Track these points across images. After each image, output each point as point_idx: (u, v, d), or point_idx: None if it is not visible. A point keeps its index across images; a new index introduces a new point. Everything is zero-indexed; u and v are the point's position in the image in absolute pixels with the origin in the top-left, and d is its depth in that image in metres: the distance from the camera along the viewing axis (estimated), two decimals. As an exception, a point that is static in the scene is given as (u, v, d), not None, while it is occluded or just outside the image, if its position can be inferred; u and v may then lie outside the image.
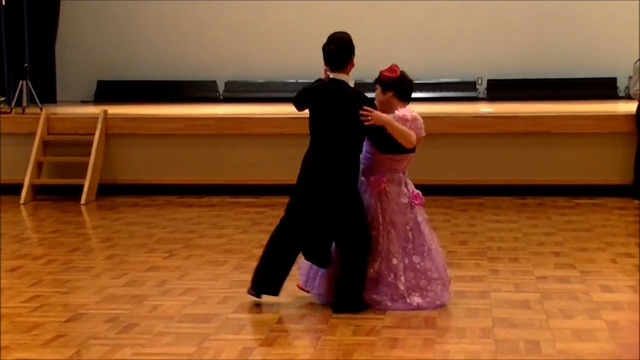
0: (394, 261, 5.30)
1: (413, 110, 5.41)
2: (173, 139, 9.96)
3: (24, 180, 9.71)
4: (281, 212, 8.94)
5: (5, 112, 10.31)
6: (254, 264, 6.60)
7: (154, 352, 4.64)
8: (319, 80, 5.43)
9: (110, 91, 12.55)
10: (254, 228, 8.13)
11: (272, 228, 8.03)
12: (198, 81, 12.50)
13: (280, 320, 5.13)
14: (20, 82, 10.35)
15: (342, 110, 5.24)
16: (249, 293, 5.41)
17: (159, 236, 7.71)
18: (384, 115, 5.25)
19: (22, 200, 9.59)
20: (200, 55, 12.55)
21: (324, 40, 11.84)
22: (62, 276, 6.27)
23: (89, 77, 12.57)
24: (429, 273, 5.34)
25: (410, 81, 5.48)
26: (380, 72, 5.44)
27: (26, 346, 4.70)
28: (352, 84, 5.45)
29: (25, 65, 10.50)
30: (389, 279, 5.29)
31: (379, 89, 5.43)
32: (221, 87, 12.42)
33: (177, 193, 9.83)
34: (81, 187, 9.61)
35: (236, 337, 4.88)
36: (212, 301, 5.54)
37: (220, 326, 5.05)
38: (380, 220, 5.33)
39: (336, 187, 5.25)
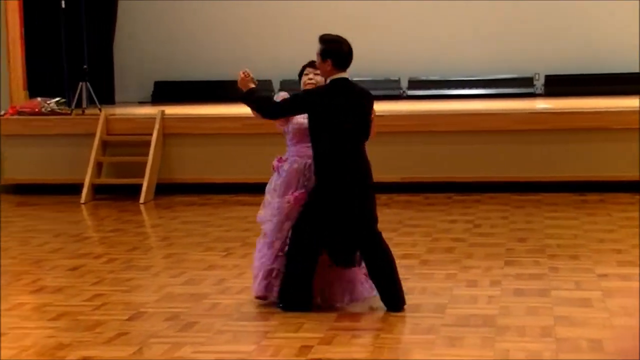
0: None
1: None
2: (229, 138, 10.03)
3: (84, 180, 9.86)
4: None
5: (66, 114, 10.48)
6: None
7: (214, 350, 4.67)
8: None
9: (167, 92, 12.67)
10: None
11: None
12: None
13: (338, 319, 5.13)
14: (80, 83, 10.51)
15: (362, 107, 5.28)
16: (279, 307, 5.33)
17: (215, 235, 7.77)
18: None
19: (82, 200, 9.74)
20: (255, 55, 12.60)
21: (380, 39, 11.93)
22: (122, 275, 6.35)
23: (146, 78, 12.71)
24: None
25: None
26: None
27: (89, 344, 4.77)
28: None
29: (85, 67, 10.65)
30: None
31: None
32: (276, 86, 12.45)
33: (232, 192, 9.90)
34: (139, 186, 9.73)
35: (295, 335, 4.89)
36: (270, 299, 5.56)
37: (278, 324, 5.07)
38: None
39: (368, 185, 5.27)
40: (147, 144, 9.91)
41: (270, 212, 5.39)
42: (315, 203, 5.24)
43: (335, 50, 5.25)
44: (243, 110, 10.81)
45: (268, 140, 10.08)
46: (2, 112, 10.38)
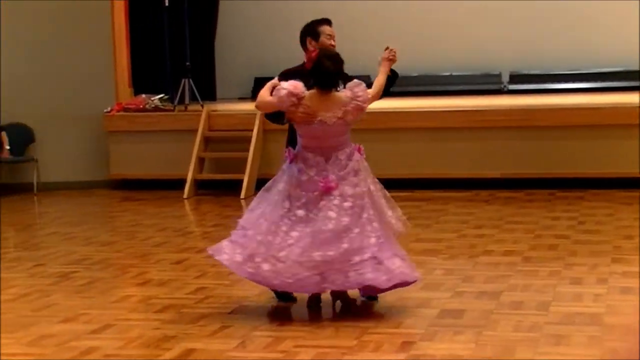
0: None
1: (299, 84, 5.22)
2: (328, 133, 10.03)
3: (186, 175, 10.04)
4: (437, 206, 8.94)
5: (169, 110, 10.69)
6: (411, 257, 6.59)
7: (315, 344, 4.68)
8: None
9: (267, 88, 12.76)
10: (409, 222, 8.06)
11: (428, 222, 8.07)
12: (352, 76, 12.53)
13: (440, 315, 5.10)
14: (183, 80, 10.70)
15: None
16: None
17: (316, 230, 7.79)
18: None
19: (185, 195, 9.92)
20: (353, 51, 12.58)
21: (481, 34, 11.61)
22: (224, 269, 6.35)
23: (246, 74, 12.84)
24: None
25: (322, 67, 5.28)
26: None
27: (193, 336, 4.85)
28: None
29: (187, 63, 10.83)
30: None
31: None
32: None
33: (332, 187, 9.90)
34: (240, 182, 9.85)
35: (396, 331, 4.87)
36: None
37: (379, 320, 5.06)
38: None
39: None
40: (248, 139, 10.02)
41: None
42: None
43: None
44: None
45: (365, 136, 10.08)
46: (109, 109, 10.66)
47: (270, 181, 5.31)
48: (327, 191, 5.08)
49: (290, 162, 5.22)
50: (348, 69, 5.68)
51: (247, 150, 9.98)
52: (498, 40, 11.97)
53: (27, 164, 10.68)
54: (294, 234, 5.03)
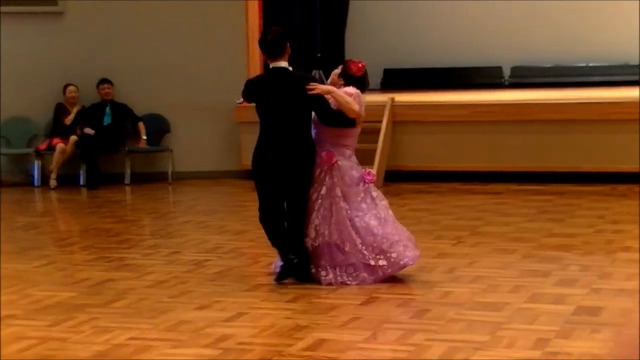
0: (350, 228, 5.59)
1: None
2: (458, 125, 9.94)
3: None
4: (571, 201, 8.72)
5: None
6: (544, 253, 6.49)
7: (447, 338, 4.64)
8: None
9: (397, 79, 12.74)
10: (541, 216, 7.94)
11: (560, 216, 7.90)
12: (483, 67, 12.38)
13: (576, 312, 4.97)
14: (314, 71, 10.78)
15: (292, 93, 5.62)
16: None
17: (444, 223, 7.74)
18: (329, 85, 5.74)
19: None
20: (485, 41, 12.42)
21: (620, 22, 11.20)
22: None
23: (375, 66, 12.81)
24: (389, 236, 5.62)
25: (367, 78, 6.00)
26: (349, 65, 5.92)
27: (325, 327, 4.88)
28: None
29: (318, 55, 10.90)
30: (346, 249, 5.60)
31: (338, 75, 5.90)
32: (507, 73, 12.22)
33: (461, 180, 9.82)
34: (369, 173, 9.85)
35: (530, 327, 4.78)
36: (502, 289, 5.48)
37: (512, 315, 4.97)
38: (332, 193, 5.63)
39: (299, 167, 5.68)
40: (377, 131, 10.01)
41: None
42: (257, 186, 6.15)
43: (259, 41, 5.86)
44: (471, 97, 10.73)
45: (497, 128, 9.93)
46: (240, 100, 10.83)
47: (315, 195, 5.71)
48: (372, 182, 5.78)
49: (333, 164, 5.66)
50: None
51: (377, 141, 9.96)
52: (635, 29, 11.57)
53: (162, 153, 10.98)
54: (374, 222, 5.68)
